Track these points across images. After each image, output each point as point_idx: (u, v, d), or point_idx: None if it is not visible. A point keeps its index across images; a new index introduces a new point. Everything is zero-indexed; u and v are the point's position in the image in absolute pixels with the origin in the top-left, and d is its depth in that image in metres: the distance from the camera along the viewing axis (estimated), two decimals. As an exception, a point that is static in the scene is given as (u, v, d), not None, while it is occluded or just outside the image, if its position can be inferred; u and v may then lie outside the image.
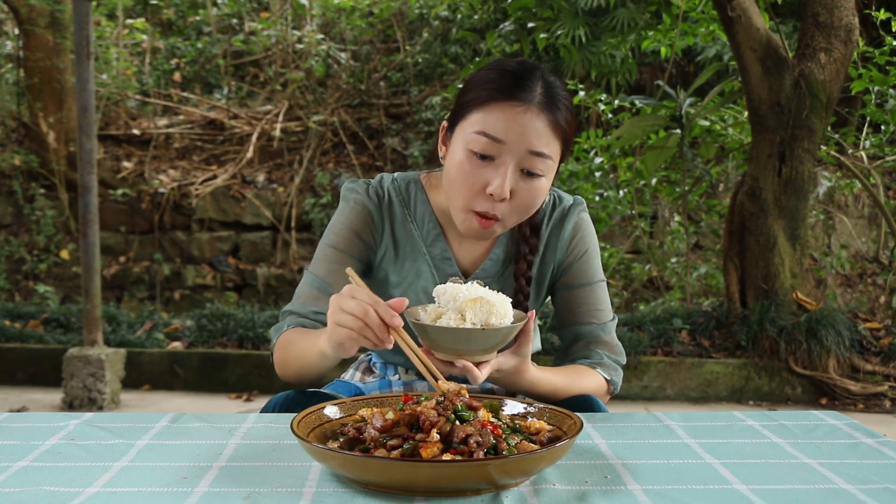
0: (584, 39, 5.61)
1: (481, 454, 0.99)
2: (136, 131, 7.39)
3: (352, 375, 1.67)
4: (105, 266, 6.59)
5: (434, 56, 7.61)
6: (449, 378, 1.53)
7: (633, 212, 5.57)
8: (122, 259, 6.82)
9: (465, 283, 1.52)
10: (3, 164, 6.63)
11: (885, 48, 4.76)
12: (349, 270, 1.27)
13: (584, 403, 1.42)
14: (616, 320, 1.57)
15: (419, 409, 1.06)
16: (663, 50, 5.92)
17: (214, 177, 6.99)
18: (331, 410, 1.17)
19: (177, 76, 8.01)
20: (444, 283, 1.52)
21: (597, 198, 5.47)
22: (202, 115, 7.59)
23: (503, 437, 1.04)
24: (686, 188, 5.36)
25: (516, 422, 1.14)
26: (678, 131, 5.00)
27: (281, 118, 7.35)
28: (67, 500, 0.95)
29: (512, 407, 1.21)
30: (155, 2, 8.18)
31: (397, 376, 1.59)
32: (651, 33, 5.67)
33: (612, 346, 1.54)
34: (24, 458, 1.11)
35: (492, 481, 0.96)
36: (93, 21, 4.39)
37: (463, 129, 1.38)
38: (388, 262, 1.54)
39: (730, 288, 4.74)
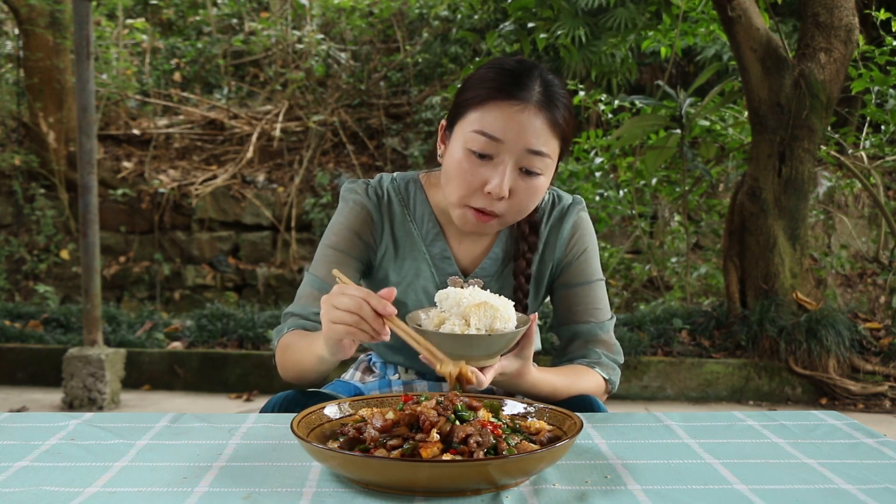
0: (584, 39, 5.62)
1: (481, 454, 0.99)
2: (136, 131, 7.39)
3: (351, 375, 1.67)
4: (105, 266, 6.59)
5: (434, 56, 7.61)
6: (440, 377, 1.54)
7: (633, 212, 5.57)
8: (122, 259, 6.82)
9: (465, 281, 1.52)
10: (3, 164, 6.63)
11: (886, 48, 4.76)
12: (336, 272, 1.28)
13: (583, 403, 1.43)
14: (614, 319, 1.57)
15: (419, 409, 1.06)
16: (663, 50, 5.92)
17: (214, 177, 6.99)
18: (331, 410, 1.17)
19: (177, 76, 8.01)
20: (444, 281, 1.52)
21: (597, 198, 5.47)
22: (202, 115, 7.59)
23: (503, 437, 1.04)
24: (686, 188, 5.36)
25: (516, 422, 1.14)
26: (678, 131, 5.00)
27: (281, 118, 7.35)
28: (67, 500, 0.95)
29: (512, 407, 1.21)
30: (155, 2, 8.18)
31: (397, 375, 1.60)
32: (651, 33, 5.67)
33: (610, 345, 1.55)
34: (24, 458, 1.11)
35: (492, 481, 0.96)
36: (93, 21, 4.39)
37: (461, 127, 1.38)
38: (388, 262, 1.54)
39: (730, 288, 4.74)
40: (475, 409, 1.09)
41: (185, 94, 7.82)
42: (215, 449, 1.15)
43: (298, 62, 7.67)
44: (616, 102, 5.38)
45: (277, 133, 7.19)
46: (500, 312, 1.22)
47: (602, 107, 5.41)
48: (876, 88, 4.87)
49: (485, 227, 1.41)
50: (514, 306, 1.46)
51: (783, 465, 1.10)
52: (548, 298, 1.64)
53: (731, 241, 4.74)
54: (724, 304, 4.87)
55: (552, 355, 1.61)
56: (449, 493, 0.96)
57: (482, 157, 1.35)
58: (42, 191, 6.72)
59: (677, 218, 6.08)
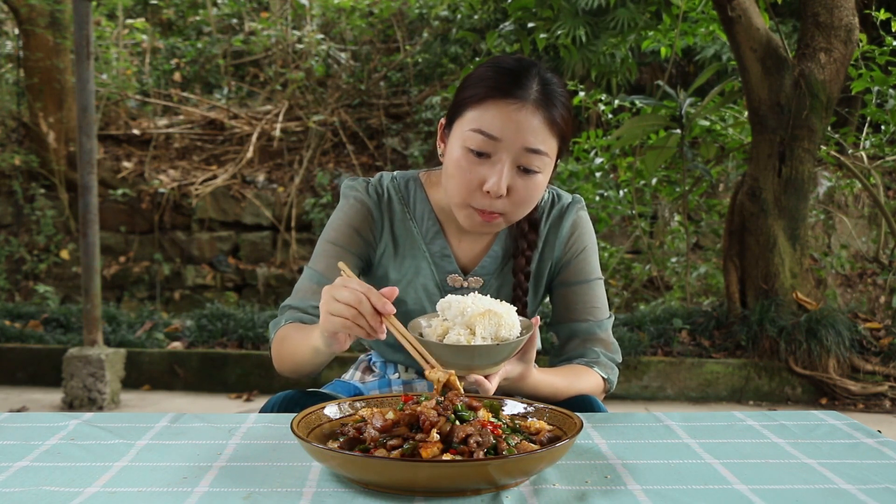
0: (584, 39, 5.61)
1: (481, 454, 0.99)
2: (136, 131, 7.39)
3: (351, 375, 1.68)
4: (105, 266, 6.59)
5: (434, 56, 7.61)
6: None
7: (633, 212, 5.57)
8: (122, 259, 6.82)
9: (464, 279, 1.52)
10: (3, 164, 6.63)
11: (886, 48, 4.76)
12: (341, 264, 1.29)
13: (584, 403, 1.43)
14: (613, 318, 1.58)
15: (419, 409, 1.06)
16: (663, 50, 5.92)
17: (214, 177, 6.99)
18: (331, 410, 1.17)
19: (177, 76, 8.01)
20: (444, 279, 1.52)
21: (597, 198, 5.47)
22: (202, 115, 7.59)
23: (503, 437, 1.04)
24: (686, 188, 5.36)
25: (516, 422, 1.14)
26: (678, 131, 5.00)
27: (281, 118, 7.35)
28: (67, 500, 0.95)
29: (512, 407, 1.21)
30: (155, 2, 8.18)
31: (397, 375, 1.60)
32: (651, 33, 5.66)
33: (608, 344, 1.55)
34: (24, 458, 1.11)
35: (492, 481, 0.96)
36: (93, 21, 4.39)
37: (460, 126, 1.38)
38: (387, 260, 1.54)
39: (730, 288, 4.74)
40: (475, 409, 1.09)
41: (185, 94, 7.82)
42: (215, 449, 1.15)
43: (298, 62, 7.67)
44: (616, 102, 5.38)
45: (277, 133, 7.19)
46: (504, 319, 1.22)
47: (602, 107, 5.41)
48: (876, 88, 4.87)
49: (491, 227, 1.42)
50: (514, 303, 1.47)
51: (783, 465, 1.10)
52: (547, 298, 1.64)
53: (731, 241, 4.74)
54: (724, 304, 4.87)
55: (551, 354, 1.61)
56: (449, 493, 0.96)
57: (480, 155, 1.35)
58: (42, 191, 6.72)
59: (677, 218, 6.08)
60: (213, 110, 7.66)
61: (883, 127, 5.14)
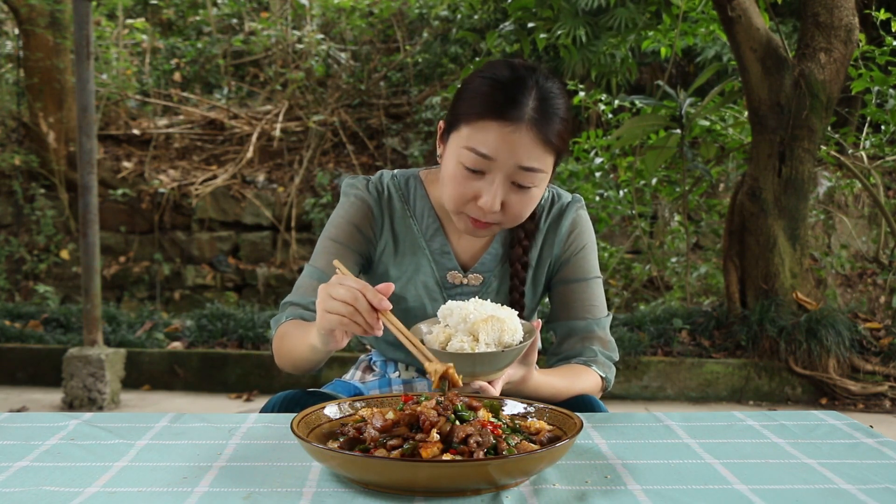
0: (584, 39, 5.62)
1: (481, 454, 0.99)
2: (136, 131, 7.39)
3: (352, 375, 1.68)
4: (105, 266, 6.59)
5: (434, 56, 7.61)
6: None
7: (633, 212, 5.57)
8: (122, 259, 6.82)
9: (464, 276, 1.53)
10: (3, 164, 6.63)
11: (886, 48, 4.76)
12: (337, 262, 1.29)
13: (584, 403, 1.43)
14: (611, 317, 1.58)
15: (419, 409, 1.06)
16: (663, 50, 5.92)
17: (214, 177, 6.99)
18: (331, 410, 1.17)
19: (177, 76, 8.01)
20: (444, 276, 1.53)
21: (597, 198, 5.47)
22: (202, 115, 7.59)
23: (503, 437, 1.04)
24: (686, 188, 5.36)
25: (516, 422, 1.14)
26: (678, 131, 5.00)
27: (281, 118, 7.35)
28: (67, 500, 0.95)
29: (512, 407, 1.21)
30: (155, 2, 8.18)
31: (397, 374, 1.60)
32: (651, 33, 5.66)
33: (605, 342, 1.55)
34: (24, 458, 1.11)
35: (492, 481, 0.96)
36: (93, 21, 4.39)
37: (456, 139, 1.38)
38: (387, 257, 1.55)
39: (730, 288, 4.74)
40: (475, 409, 1.09)
41: (185, 94, 7.82)
42: (215, 449, 1.15)
43: (298, 62, 7.67)
44: (616, 102, 5.38)
45: (277, 133, 7.19)
46: (506, 324, 1.23)
47: (602, 107, 5.41)
48: (876, 88, 4.87)
49: (486, 233, 1.43)
50: (511, 293, 1.48)
51: (783, 465, 1.10)
52: (546, 297, 1.65)
53: (731, 241, 4.74)
54: (724, 304, 4.87)
55: (549, 352, 1.62)
56: (449, 493, 0.96)
57: (474, 171, 1.36)
58: (42, 191, 6.72)
59: (677, 218, 6.08)
60: (213, 110, 7.66)
61: (883, 127, 5.14)
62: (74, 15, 4.20)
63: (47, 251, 6.67)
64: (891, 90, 4.89)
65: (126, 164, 7.08)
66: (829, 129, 4.80)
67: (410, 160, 7.08)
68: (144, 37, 7.99)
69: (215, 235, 6.85)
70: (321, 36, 7.80)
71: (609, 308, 1.60)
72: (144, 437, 1.21)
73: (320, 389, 1.55)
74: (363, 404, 1.20)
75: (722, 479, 1.03)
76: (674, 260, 5.88)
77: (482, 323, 1.22)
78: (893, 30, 4.79)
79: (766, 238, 4.56)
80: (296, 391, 1.47)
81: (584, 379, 1.49)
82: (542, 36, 5.36)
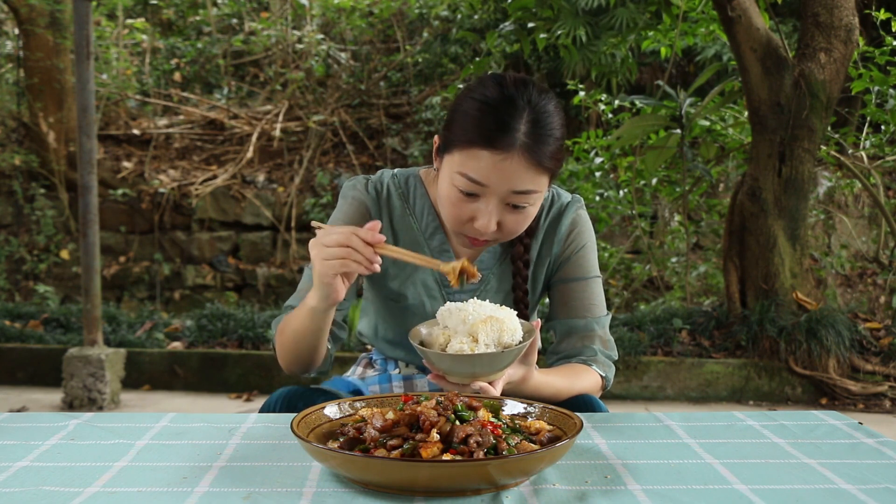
0: (584, 39, 5.62)
1: (481, 454, 0.99)
2: (136, 131, 7.39)
3: (352, 372, 1.69)
4: (105, 266, 6.59)
5: (434, 56, 7.61)
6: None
7: (633, 212, 5.57)
8: (122, 259, 6.82)
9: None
10: (3, 164, 6.63)
11: (886, 48, 4.76)
12: (315, 222, 1.32)
13: (584, 403, 1.43)
14: (610, 316, 1.58)
15: (419, 409, 1.06)
16: (663, 50, 5.92)
17: (214, 177, 6.99)
18: (331, 410, 1.17)
19: (177, 76, 8.01)
20: (443, 274, 1.53)
21: (597, 198, 5.47)
22: (202, 115, 7.59)
23: (503, 437, 1.04)
24: (686, 188, 5.36)
25: (516, 422, 1.14)
26: (678, 131, 5.00)
27: (281, 118, 7.35)
28: (67, 500, 0.95)
29: (512, 407, 1.21)
30: (155, 2, 8.18)
31: (397, 370, 1.61)
32: (651, 33, 5.66)
33: (605, 341, 1.56)
34: (24, 458, 1.11)
35: (492, 481, 0.96)
36: (93, 21, 4.39)
37: (449, 163, 1.38)
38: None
39: (730, 288, 4.74)
40: (475, 409, 1.09)
41: (185, 94, 7.82)
42: (215, 449, 1.15)
43: (298, 62, 7.67)
44: (616, 102, 5.38)
45: (277, 133, 7.19)
46: (506, 325, 1.23)
47: (602, 107, 5.41)
48: (876, 88, 4.87)
49: (484, 249, 1.46)
50: (514, 291, 1.48)
51: (783, 465, 1.10)
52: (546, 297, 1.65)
53: (731, 241, 4.74)
54: (724, 304, 4.87)
55: (548, 351, 1.62)
56: (449, 493, 0.96)
57: (469, 194, 1.36)
58: (42, 191, 6.72)
59: (677, 218, 6.08)
60: (213, 110, 7.66)
61: (883, 127, 5.14)
62: (74, 15, 4.20)
63: (47, 251, 6.67)
64: (891, 90, 4.89)
65: (126, 164, 7.08)
66: (829, 129, 4.80)
67: (410, 160, 7.08)
68: (144, 37, 7.99)
69: (215, 235, 6.85)
70: (321, 36, 7.80)
71: (609, 308, 1.61)
72: (144, 437, 1.21)
73: (321, 386, 1.56)
74: (363, 404, 1.20)
75: (722, 479, 1.03)
76: (674, 260, 5.88)
77: (481, 324, 1.22)
78: (893, 30, 4.79)
79: (766, 238, 4.56)
80: (296, 387, 1.47)
81: (584, 378, 1.50)
82: (542, 36, 5.36)
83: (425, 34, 7.78)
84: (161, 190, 6.78)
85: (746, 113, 4.81)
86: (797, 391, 4.50)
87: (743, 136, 5.23)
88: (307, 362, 1.47)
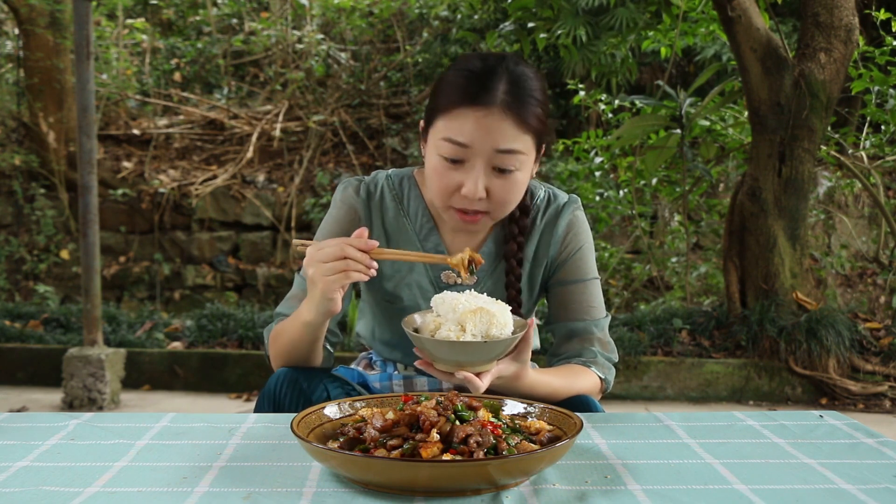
0: (584, 39, 5.61)
1: (481, 454, 0.99)
2: (136, 131, 7.39)
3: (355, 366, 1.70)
4: (105, 266, 6.59)
5: (434, 56, 7.60)
6: (455, 387, 1.55)
7: (633, 212, 5.57)
8: (122, 259, 6.82)
9: (458, 276, 1.53)
10: (3, 164, 6.63)
11: (886, 48, 4.76)
12: (295, 241, 1.35)
13: (580, 404, 1.43)
14: (609, 318, 1.58)
15: (419, 409, 1.06)
16: (663, 50, 5.92)
17: (214, 177, 6.99)
18: (331, 410, 1.17)
19: (177, 76, 8.01)
20: (438, 276, 1.53)
21: (597, 198, 5.47)
22: (202, 115, 7.59)
23: (503, 437, 1.04)
24: (686, 188, 5.36)
25: (516, 422, 1.14)
26: (678, 131, 5.00)
27: (281, 118, 7.35)
28: (67, 500, 0.95)
29: (512, 407, 1.21)
30: (155, 2, 8.18)
31: (397, 371, 1.61)
32: (651, 33, 5.66)
33: (605, 343, 1.55)
34: (24, 458, 1.11)
35: (492, 481, 0.96)
36: (93, 21, 4.39)
37: (434, 134, 1.40)
38: None
39: (730, 288, 4.74)
40: (475, 409, 1.09)
41: (185, 94, 7.82)
42: (215, 449, 1.15)
43: (298, 62, 7.67)
44: (616, 102, 5.38)
45: (277, 133, 7.19)
46: (496, 318, 1.22)
47: (602, 107, 5.41)
48: (876, 88, 4.87)
49: (477, 226, 1.43)
50: (507, 290, 1.48)
51: (783, 465, 1.10)
52: (543, 299, 1.64)
53: (731, 241, 4.74)
54: (724, 304, 4.87)
55: (548, 353, 1.61)
56: (449, 493, 0.96)
57: (454, 161, 1.37)
58: (42, 191, 6.72)
59: (677, 218, 6.08)
60: (213, 110, 7.66)
61: (883, 127, 5.14)
62: (74, 15, 4.20)
63: (47, 251, 6.67)
64: (891, 90, 4.89)
65: (126, 164, 7.07)
66: (829, 129, 4.80)
67: (410, 160, 7.08)
68: (144, 37, 7.99)
69: (215, 235, 6.85)
70: (321, 36, 7.80)
71: (609, 308, 1.60)
72: (144, 437, 1.21)
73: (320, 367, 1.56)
74: (363, 404, 1.20)
75: (722, 479, 1.03)
76: (674, 260, 5.88)
77: (470, 314, 1.22)
78: (893, 30, 4.79)
79: (766, 238, 4.56)
80: (294, 369, 1.48)
81: (582, 379, 1.49)
82: (542, 36, 5.36)
83: (425, 34, 7.78)
84: (161, 190, 6.78)
85: (746, 113, 4.81)
86: (797, 391, 4.50)
87: (743, 136, 5.23)
88: (305, 363, 1.48)
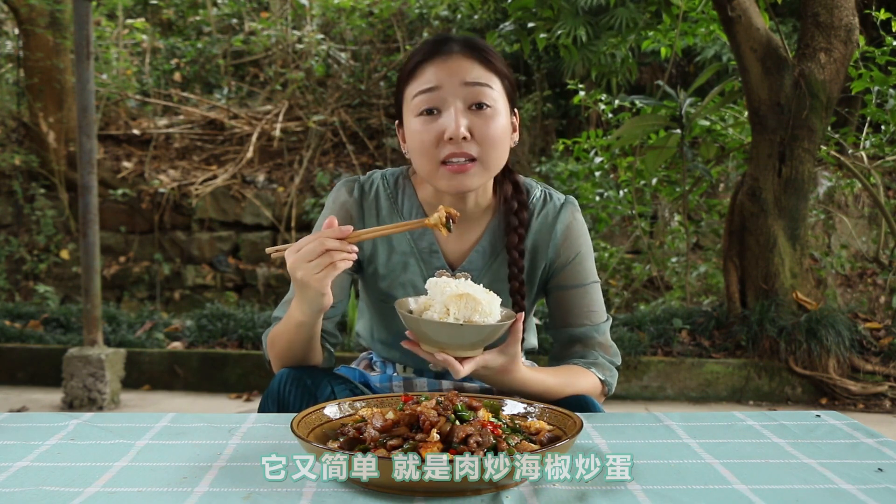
0: (584, 39, 5.61)
1: (481, 454, 0.98)
2: (136, 131, 7.39)
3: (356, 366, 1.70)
4: (105, 266, 6.59)
5: (434, 56, 7.59)
6: (438, 374, 1.55)
7: (633, 212, 5.57)
8: (122, 259, 6.82)
9: (452, 275, 1.52)
10: (3, 164, 6.63)
11: (886, 48, 4.76)
12: (269, 249, 1.36)
13: (580, 404, 1.42)
14: (610, 321, 1.57)
15: (419, 409, 1.06)
16: (663, 50, 5.92)
17: (214, 177, 6.99)
18: (331, 410, 1.17)
19: (177, 76, 8.01)
20: (432, 275, 1.53)
21: (597, 198, 5.47)
22: (202, 115, 7.59)
23: (503, 437, 1.04)
24: (686, 188, 5.36)
25: (516, 422, 1.14)
26: (678, 131, 5.00)
27: (281, 118, 7.35)
28: (67, 500, 0.95)
29: (512, 407, 1.21)
30: (155, 2, 8.18)
31: (396, 373, 1.61)
32: (651, 33, 5.67)
33: (606, 348, 1.54)
34: (24, 458, 1.11)
35: (492, 481, 0.96)
36: (93, 21, 4.39)
37: (406, 107, 1.44)
38: (375, 256, 1.55)
39: (730, 288, 4.74)
40: (475, 409, 1.09)
41: (185, 94, 7.82)
42: (215, 449, 1.15)
43: (298, 62, 7.67)
44: (616, 102, 5.38)
45: (277, 133, 7.19)
46: (481, 306, 1.23)
47: (602, 107, 5.41)
48: (876, 88, 4.87)
49: (469, 179, 1.41)
50: (510, 281, 1.48)
51: (783, 465, 1.10)
52: (543, 302, 1.64)
53: (731, 241, 4.74)
54: (724, 304, 4.87)
55: (549, 356, 1.61)
56: (449, 493, 0.96)
57: (431, 112, 1.40)
58: (42, 191, 6.72)
59: (677, 218, 6.08)
60: (213, 110, 7.66)
61: (883, 127, 5.14)
62: (74, 15, 4.20)
63: (47, 251, 6.67)
64: (891, 90, 4.89)
65: (126, 164, 7.07)
66: (829, 129, 4.80)
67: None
68: (144, 37, 7.99)
69: (215, 235, 6.85)
70: (321, 36, 7.80)
71: (609, 308, 1.60)
72: (144, 437, 1.21)
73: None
74: (363, 404, 1.20)
75: (722, 479, 1.03)
76: (674, 260, 5.88)
77: (455, 298, 1.23)
78: (893, 30, 4.79)
79: (766, 238, 4.56)
80: (298, 368, 1.48)
81: (580, 379, 1.48)
82: (542, 36, 5.36)
83: (425, 34, 7.78)
84: (161, 190, 6.78)
85: (746, 113, 4.81)
86: (797, 391, 4.50)
87: (743, 136, 5.23)
88: (306, 362, 1.49)
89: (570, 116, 7.46)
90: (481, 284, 1.52)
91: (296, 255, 1.27)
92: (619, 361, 1.56)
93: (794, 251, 4.59)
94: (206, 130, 7.54)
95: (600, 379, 1.51)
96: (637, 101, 5.15)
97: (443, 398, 1.10)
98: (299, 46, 7.72)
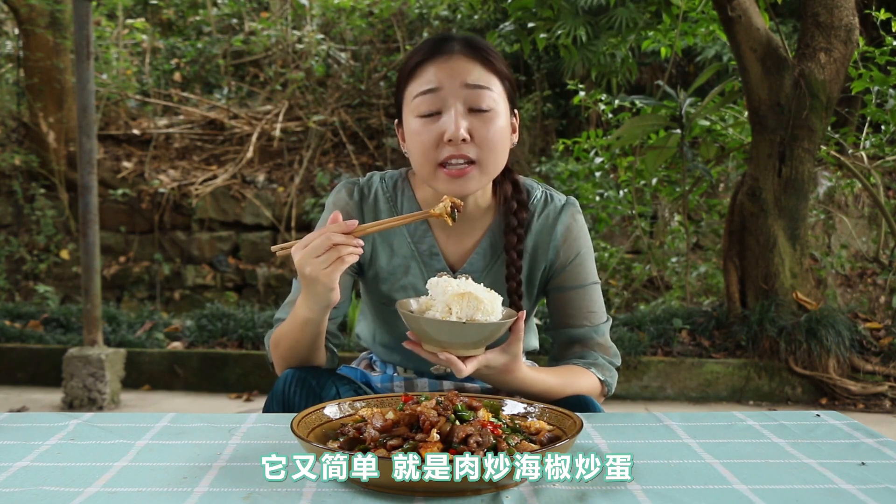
0: (584, 39, 5.61)
1: (481, 454, 0.98)
2: (136, 131, 7.39)
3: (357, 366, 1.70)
4: (105, 266, 6.59)
5: (434, 56, 7.59)
6: (439, 375, 1.55)
7: (633, 212, 5.57)
8: (122, 259, 6.82)
9: (452, 276, 1.52)
10: (3, 164, 6.63)
11: (886, 48, 4.76)
12: (274, 247, 1.36)
13: (579, 404, 1.42)
14: (610, 322, 1.56)
15: (419, 409, 1.06)
16: (663, 50, 5.92)
17: (214, 177, 6.99)
18: (331, 410, 1.17)
19: (177, 76, 8.01)
20: (432, 277, 1.52)
21: (597, 198, 5.47)
22: (202, 115, 7.59)
23: (503, 437, 1.04)
24: (686, 188, 5.36)
25: (516, 422, 1.14)
26: (678, 131, 5.00)
27: (281, 118, 7.35)
28: (67, 500, 0.95)
29: (512, 407, 1.21)
30: (155, 2, 8.18)
31: (397, 374, 1.61)
32: (651, 33, 5.67)
33: (606, 349, 1.54)
34: (24, 458, 1.11)
35: (492, 481, 0.96)
36: (93, 21, 4.39)
37: (406, 107, 1.43)
38: (375, 259, 1.55)
39: (730, 288, 4.74)
40: (475, 409, 1.09)
41: (185, 94, 7.82)
42: (215, 449, 1.15)
43: (298, 62, 7.67)
44: (616, 102, 5.38)
45: (277, 133, 7.19)
46: (483, 305, 1.23)
47: (602, 107, 5.41)
48: (876, 88, 4.87)
49: (468, 183, 1.40)
50: (508, 281, 1.48)
51: (783, 465, 1.10)
52: (543, 302, 1.64)
53: (731, 241, 4.74)
54: (724, 304, 4.87)
55: (549, 357, 1.61)
56: (449, 493, 0.96)
57: (431, 115, 1.39)
58: (42, 191, 6.72)
59: (677, 218, 6.08)
60: (213, 110, 7.66)
61: (883, 127, 5.14)
62: (74, 15, 4.20)
63: (47, 251, 6.67)
64: (891, 90, 4.89)
65: (126, 164, 7.07)
66: (829, 129, 4.80)
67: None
68: (144, 37, 7.99)
69: (215, 235, 6.85)
70: (321, 36, 7.79)
71: (609, 308, 1.60)
72: (144, 437, 1.21)
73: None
74: (363, 404, 1.20)
75: (722, 479, 1.03)
76: (674, 260, 5.88)
77: (457, 297, 1.23)
78: (893, 30, 4.79)
79: (766, 238, 4.56)
80: (302, 369, 1.48)
81: (580, 380, 1.48)
82: (542, 36, 5.36)
83: (425, 34, 7.78)
84: (161, 190, 6.78)
85: (746, 113, 4.81)
86: (797, 391, 4.50)
87: (743, 136, 5.23)
88: (309, 361, 1.49)
89: (570, 116, 7.46)
90: (483, 283, 1.53)
91: (303, 251, 1.27)
92: (618, 362, 1.56)
93: (794, 251, 4.59)
94: (206, 130, 7.54)
95: (600, 379, 1.51)
96: (637, 101, 5.15)
97: (443, 398, 1.10)
98: (299, 46, 7.72)
